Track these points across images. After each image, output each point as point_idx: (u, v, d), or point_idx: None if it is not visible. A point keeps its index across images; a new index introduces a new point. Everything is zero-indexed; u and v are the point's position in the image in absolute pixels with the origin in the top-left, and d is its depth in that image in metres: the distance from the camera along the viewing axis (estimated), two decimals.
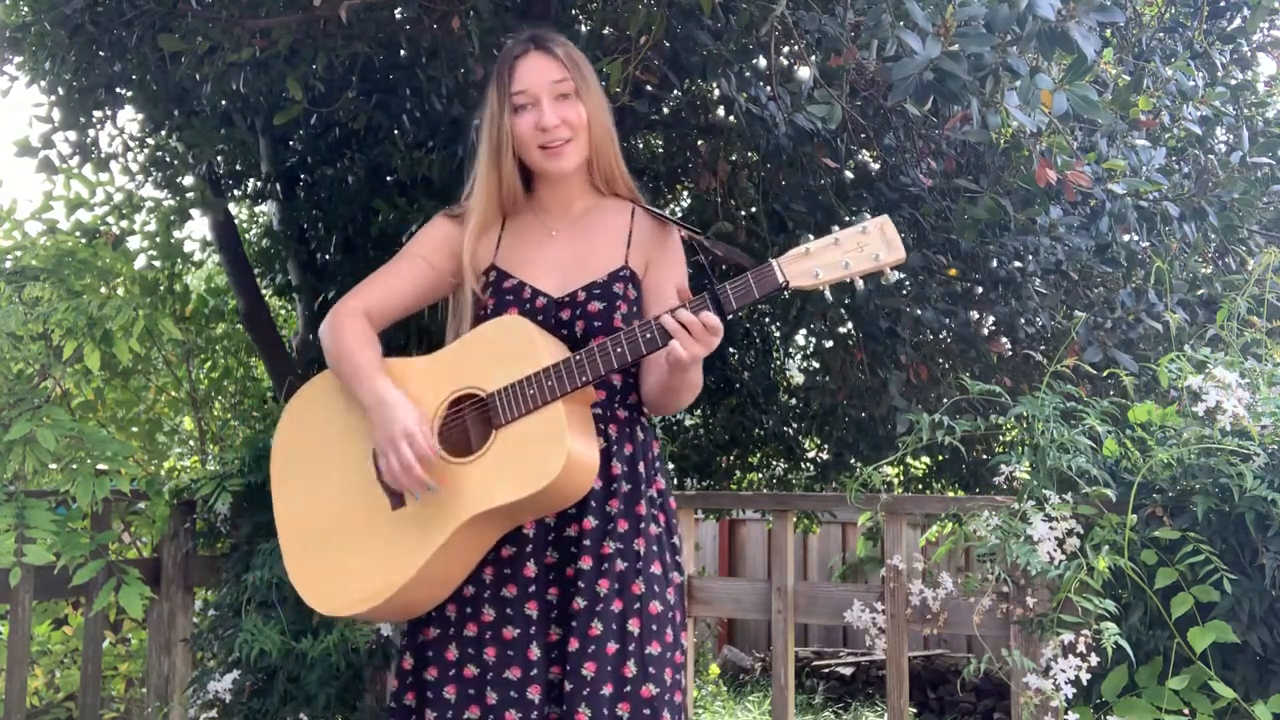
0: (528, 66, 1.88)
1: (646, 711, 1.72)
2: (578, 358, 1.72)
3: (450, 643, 1.82)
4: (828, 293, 1.71)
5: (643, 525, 1.82)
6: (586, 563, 1.77)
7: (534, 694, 1.73)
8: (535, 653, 1.75)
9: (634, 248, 1.92)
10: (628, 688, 1.72)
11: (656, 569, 1.82)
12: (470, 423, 1.82)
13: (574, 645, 1.73)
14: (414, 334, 3.53)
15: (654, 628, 1.77)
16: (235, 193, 4.49)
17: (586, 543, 1.78)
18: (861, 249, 1.65)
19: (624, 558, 1.79)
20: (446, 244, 1.95)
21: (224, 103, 3.75)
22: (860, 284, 1.70)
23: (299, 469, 1.91)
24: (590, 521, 1.79)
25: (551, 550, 1.81)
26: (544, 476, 1.68)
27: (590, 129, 1.90)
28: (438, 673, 1.82)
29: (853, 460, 4.52)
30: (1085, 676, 2.27)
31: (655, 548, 1.83)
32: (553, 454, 1.68)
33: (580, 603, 1.75)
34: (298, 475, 1.91)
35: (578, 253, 1.91)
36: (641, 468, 1.86)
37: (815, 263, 1.66)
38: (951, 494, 4.45)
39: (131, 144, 4.34)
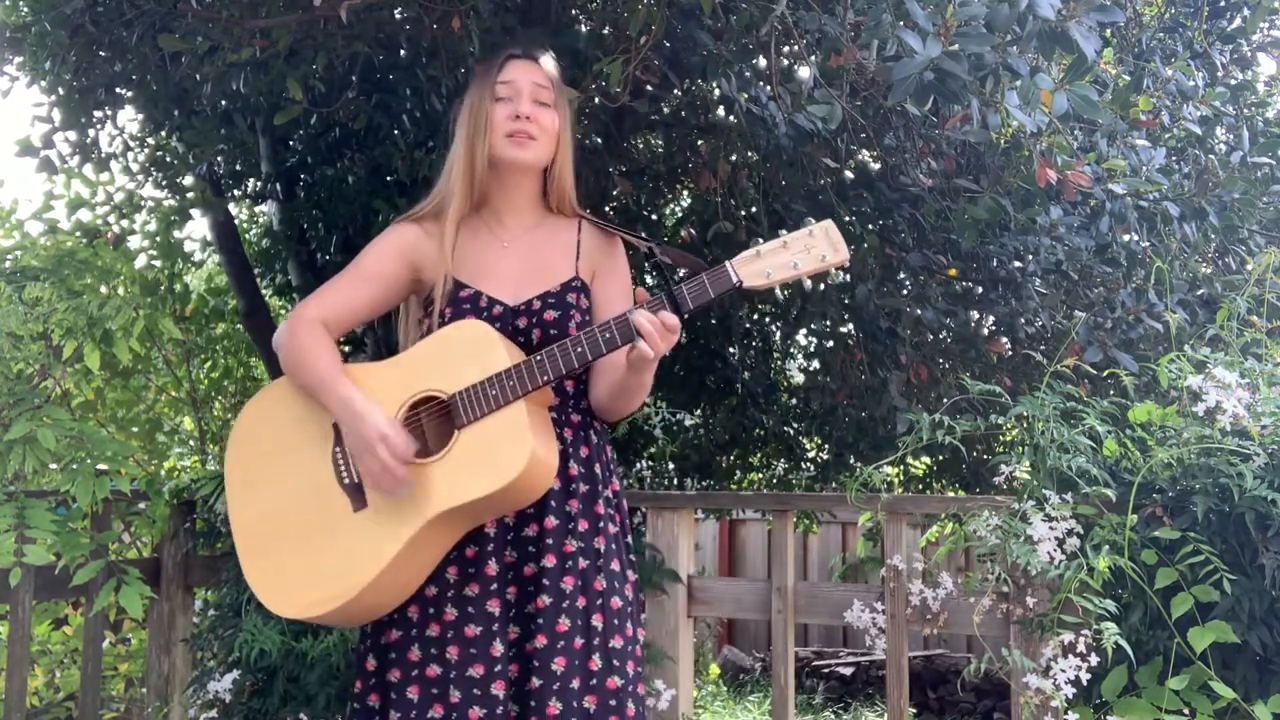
0: (518, 65, 1.98)
1: (612, 703, 1.80)
2: (538, 358, 1.77)
3: (413, 644, 1.85)
4: (778, 291, 1.80)
5: (602, 524, 1.89)
6: (550, 561, 1.82)
7: (498, 690, 1.78)
8: (498, 649, 1.79)
9: (583, 259, 1.99)
10: (593, 680, 1.80)
11: (616, 566, 1.90)
12: (428, 425, 1.86)
13: (542, 642, 1.78)
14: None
15: (616, 622, 1.85)
16: (235, 193, 4.49)
17: (549, 541, 1.83)
18: (808, 250, 1.75)
19: (586, 555, 1.86)
20: (402, 252, 1.99)
21: (224, 103, 3.75)
22: (808, 283, 1.79)
23: (256, 475, 1.93)
24: (551, 521, 1.84)
25: (510, 549, 1.85)
26: (507, 474, 1.72)
27: (558, 142, 1.98)
28: (400, 674, 1.84)
29: (853, 460, 4.52)
30: (1085, 676, 2.27)
31: (614, 546, 1.91)
32: (516, 452, 1.73)
33: (545, 600, 1.80)
34: (255, 480, 1.93)
35: (530, 265, 1.97)
36: (598, 469, 1.93)
37: (766, 264, 1.75)
38: (951, 494, 4.44)
39: (131, 144, 4.34)
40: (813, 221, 1.77)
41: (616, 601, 1.86)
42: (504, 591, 1.83)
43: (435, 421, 1.86)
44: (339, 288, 1.99)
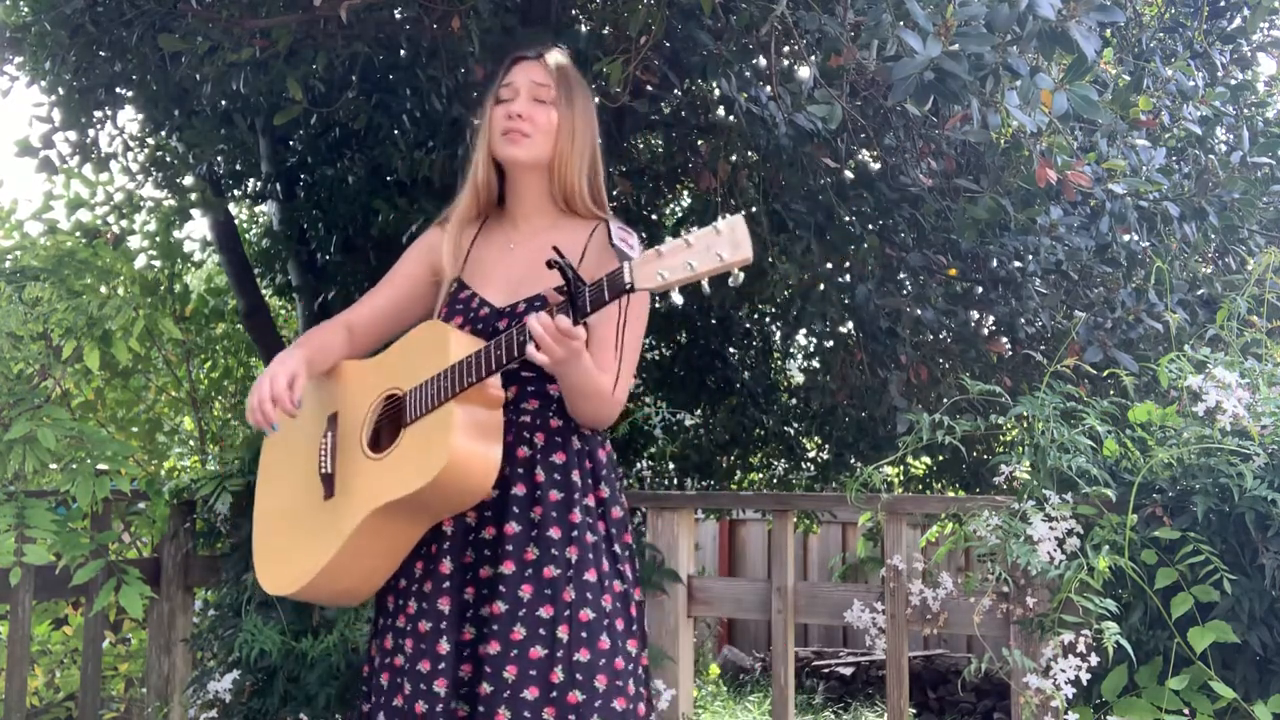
0: (521, 66, 2.01)
1: (572, 717, 1.75)
2: (468, 359, 1.76)
3: (387, 633, 1.89)
4: (675, 295, 1.62)
5: (576, 533, 1.83)
6: (509, 568, 1.80)
7: (439, 687, 1.77)
8: (444, 648, 1.79)
9: (585, 264, 1.94)
10: (554, 693, 1.75)
11: (591, 576, 1.83)
12: (401, 420, 1.91)
13: (494, 648, 1.76)
14: None
15: (584, 635, 1.79)
16: (235, 193, 4.50)
17: (508, 548, 1.81)
18: (709, 249, 1.58)
19: (555, 564, 1.80)
20: (424, 254, 2.07)
21: (224, 103, 3.75)
22: (705, 285, 1.60)
23: (272, 464, 2.08)
24: (512, 527, 1.82)
25: (470, 550, 1.85)
26: (428, 472, 1.73)
27: (558, 138, 1.96)
28: (377, 660, 1.90)
29: (853, 460, 4.53)
30: (1085, 676, 2.27)
31: (591, 555, 1.84)
32: (438, 451, 1.74)
33: (500, 606, 1.78)
34: (270, 469, 2.09)
35: (531, 267, 1.95)
36: (576, 476, 1.87)
37: (663, 265, 1.61)
38: (951, 494, 4.45)
39: (131, 144, 4.34)
40: (725, 217, 1.60)
41: (587, 614, 1.80)
42: (459, 591, 1.82)
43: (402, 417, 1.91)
44: (368, 297, 2.09)
